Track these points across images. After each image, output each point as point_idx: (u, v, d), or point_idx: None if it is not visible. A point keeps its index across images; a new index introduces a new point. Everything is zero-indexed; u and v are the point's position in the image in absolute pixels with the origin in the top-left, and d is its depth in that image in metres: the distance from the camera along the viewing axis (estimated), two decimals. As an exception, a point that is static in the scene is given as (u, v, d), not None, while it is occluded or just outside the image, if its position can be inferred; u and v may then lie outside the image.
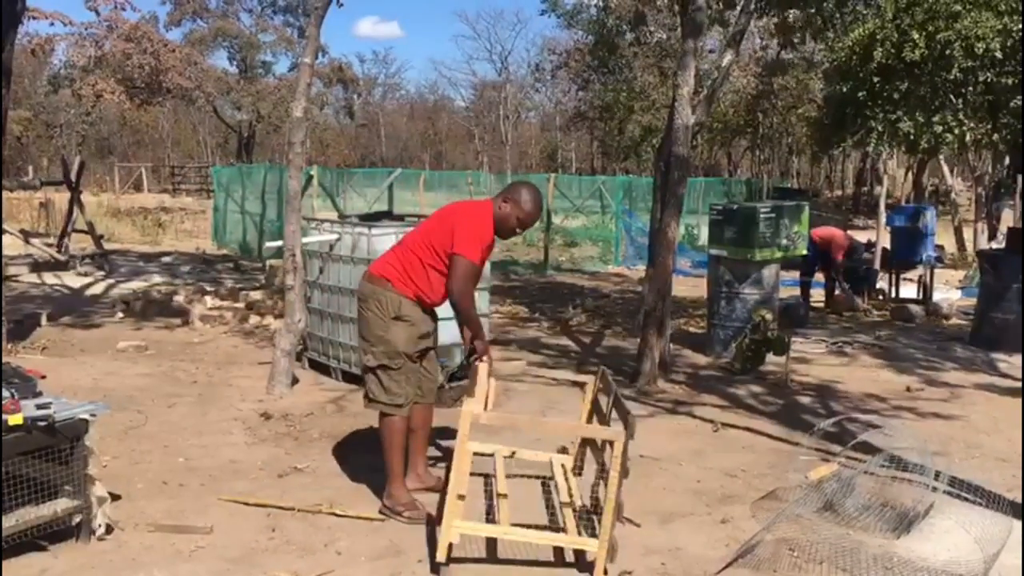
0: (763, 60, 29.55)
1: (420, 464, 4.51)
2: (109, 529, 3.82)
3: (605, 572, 3.49)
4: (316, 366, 7.22)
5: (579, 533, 3.76)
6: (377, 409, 4.23)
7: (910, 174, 26.52)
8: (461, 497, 3.50)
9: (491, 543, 3.81)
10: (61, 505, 3.65)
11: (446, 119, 61.48)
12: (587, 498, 4.19)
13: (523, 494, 4.39)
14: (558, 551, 3.75)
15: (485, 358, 4.20)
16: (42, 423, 3.49)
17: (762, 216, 8.17)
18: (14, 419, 3.41)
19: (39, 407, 3.56)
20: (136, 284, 12.09)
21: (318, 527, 4.04)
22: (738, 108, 32.52)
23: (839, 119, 16.78)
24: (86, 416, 3.68)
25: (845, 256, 11.74)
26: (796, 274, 12.14)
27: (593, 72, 32.98)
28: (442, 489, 4.10)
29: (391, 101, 63.03)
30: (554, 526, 4.03)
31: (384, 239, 6.47)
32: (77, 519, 3.70)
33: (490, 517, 4.12)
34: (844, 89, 16.06)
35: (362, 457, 5.03)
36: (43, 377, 3.93)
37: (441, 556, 3.48)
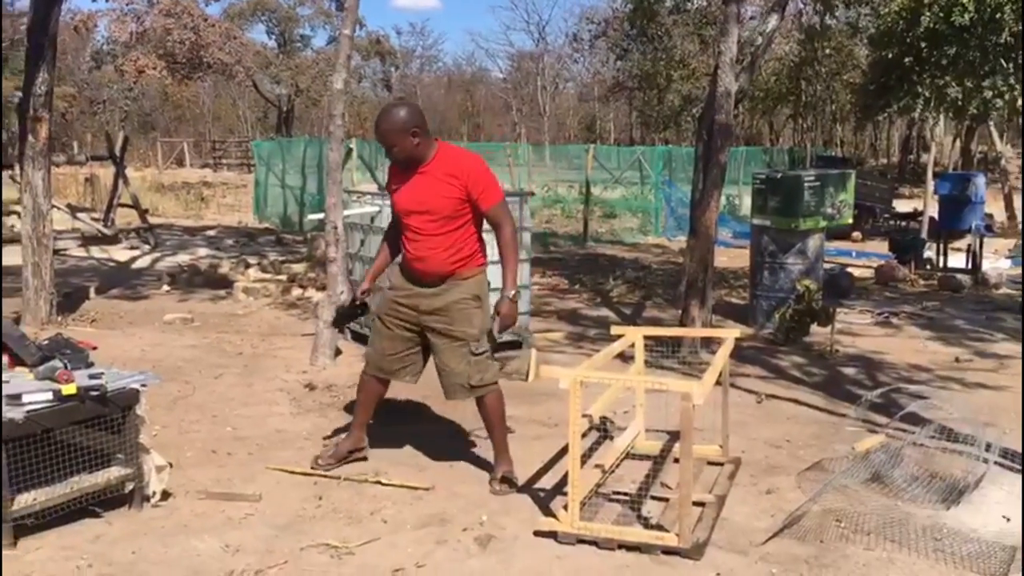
0: (804, 26, 28.93)
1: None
2: (165, 495, 3.90)
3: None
4: (358, 338, 7.26)
5: None
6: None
7: (958, 141, 25.91)
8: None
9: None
10: (114, 473, 3.73)
11: (483, 91, 61.22)
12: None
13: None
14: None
15: None
16: (95, 392, 3.56)
17: (807, 185, 8.03)
18: (68, 389, 3.48)
19: (92, 377, 3.64)
20: (181, 257, 12.26)
21: (364, 495, 4.09)
22: (780, 75, 31.93)
23: (884, 85, 16.45)
24: (137, 386, 3.75)
25: None
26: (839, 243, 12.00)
27: (632, 41, 32.47)
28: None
29: (428, 73, 62.97)
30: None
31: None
32: (130, 487, 3.78)
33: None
34: (890, 55, 15.72)
35: (405, 427, 5.07)
36: (94, 348, 3.99)
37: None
